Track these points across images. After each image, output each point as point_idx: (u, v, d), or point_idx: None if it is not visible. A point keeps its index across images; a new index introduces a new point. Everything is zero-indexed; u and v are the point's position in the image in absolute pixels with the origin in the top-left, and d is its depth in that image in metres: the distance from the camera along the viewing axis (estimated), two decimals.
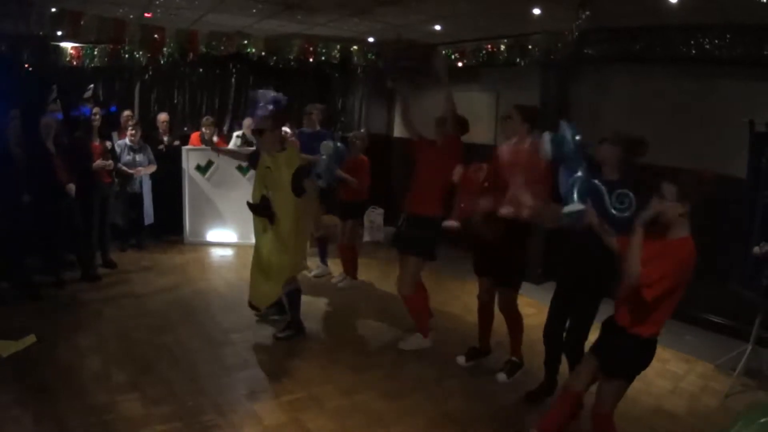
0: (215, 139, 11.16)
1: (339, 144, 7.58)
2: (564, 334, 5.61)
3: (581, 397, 4.77)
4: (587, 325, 5.43)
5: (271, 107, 6.57)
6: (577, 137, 4.67)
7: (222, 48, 10.91)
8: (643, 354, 4.38)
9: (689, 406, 6.22)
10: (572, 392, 4.72)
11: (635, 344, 4.31)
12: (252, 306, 7.18)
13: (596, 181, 4.83)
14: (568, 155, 4.70)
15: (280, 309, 7.45)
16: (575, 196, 4.60)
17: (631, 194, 4.70)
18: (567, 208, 4.63)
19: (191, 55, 11.11)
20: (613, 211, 4.74)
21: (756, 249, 6.63)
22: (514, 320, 6.38)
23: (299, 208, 6.61)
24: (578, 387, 4.69)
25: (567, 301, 5.51)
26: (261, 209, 6.66)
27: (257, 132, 6.66)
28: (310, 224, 6.94)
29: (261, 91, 6.76)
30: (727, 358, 6.99)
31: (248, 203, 6.83)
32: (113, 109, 10.55)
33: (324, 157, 7.65)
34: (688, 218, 4.17)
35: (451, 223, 6.14)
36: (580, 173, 4.65)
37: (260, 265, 6.88)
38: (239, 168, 10.74)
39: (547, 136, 4.79)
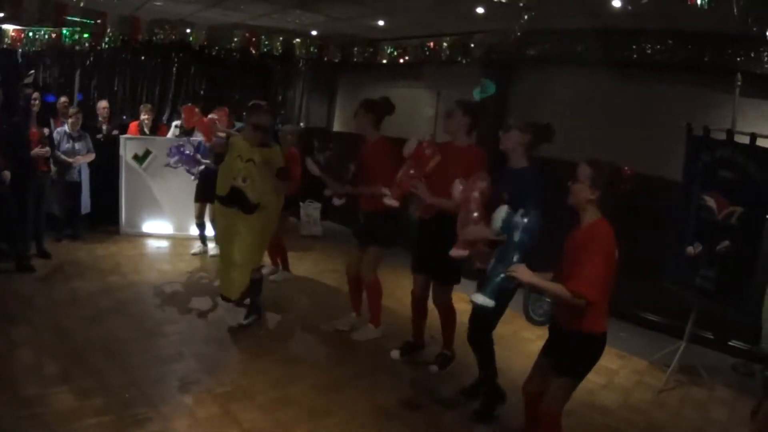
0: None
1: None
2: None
3: (538, 398, 4.72)
4: (490, 316, 5.40)
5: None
6: (525, 219, 4.48)
7: (164, 36, 10.83)
8: (592, 351, 4.41)
9: (623, 400, 6.39)
10: (527, 394, 4.79)
11: (584, 342, 4.34)
12: (224, 298, 7.17)
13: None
14: (513, 237, 4.55)
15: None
16: (491, 291, 4.46)
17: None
18: (476, 299, 4.60)
19: (133, 42, 10.99)
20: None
21: (690, 249, 6.81)
22: (448, 315, 6.44)
23: (278, 199, 6.91)
24: (531, 389, 4.74)
25: None
26: (236, 203, 6.70)
27: (258, 127, 6.72)
28: (276, 221, 7.23)
29: None
30: (660, 355, 7.19)
31: (219, 196, 6.87)
32: (51, 98, 10.39)
33: None
34: (602, 206, 4.26)
35: (392, 201, 6.20)
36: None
37: (228, 257, 6.88)
38: (135, 157, 10.66)
39: (503, 211, 4.55)
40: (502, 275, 4.37)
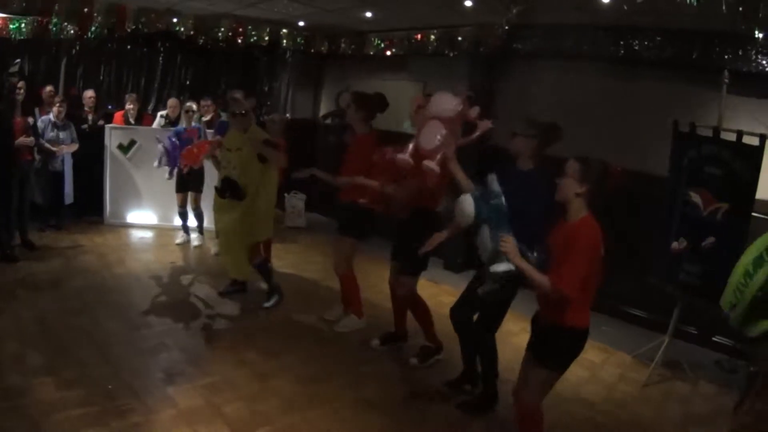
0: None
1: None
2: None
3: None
4: (498, 314, 5.51)
5: None
6: (502, 202, 4.62)
7: (151, 25, 10.76)
8: (574, 344, 4.41)
9: (606, 394, 6.42)
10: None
11: (566, 335, 4.33)
12: (236, 282, 7.72)
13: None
14: (491, 216, 4.66)
15: (242, 286, 7.95)
16: (502, 258, 4.54)
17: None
18: (496, 268, 4.61)
19: (120, 31, 10.91)
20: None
21: (675, 244, 6.82)
22: (415, 307, 6.49)
23: (265, 176, 7.09)
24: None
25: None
26: (229, 191, 6.97)
27: (239, 114, 6.99)
28: (274, 193, 7.43)
29: None
30: (644, 349, 7.23)
31: (216, 188, 7.18)
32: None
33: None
34: (588, 202, 4.23)
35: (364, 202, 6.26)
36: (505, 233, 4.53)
37: (231, 241, 7.26)
38: (120, 147, 10.57)
39: (470, 199, 4.76)
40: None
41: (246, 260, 7.34)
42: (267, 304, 7.63)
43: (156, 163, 9.41)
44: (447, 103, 5.43)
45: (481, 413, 5.66)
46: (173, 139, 9.28)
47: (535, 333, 4.63)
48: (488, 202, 4.67)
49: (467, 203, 4.74)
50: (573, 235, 4.14)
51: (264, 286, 7.80)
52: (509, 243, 4.31)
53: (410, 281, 6.36)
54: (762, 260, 4.56)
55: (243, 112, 7.00)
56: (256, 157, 6.89)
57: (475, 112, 5.53)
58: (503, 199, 4.63)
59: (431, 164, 5.16)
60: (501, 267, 4.57)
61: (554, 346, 4.41)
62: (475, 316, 5.64)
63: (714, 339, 7.65)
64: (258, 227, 7.27)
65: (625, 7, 6.63)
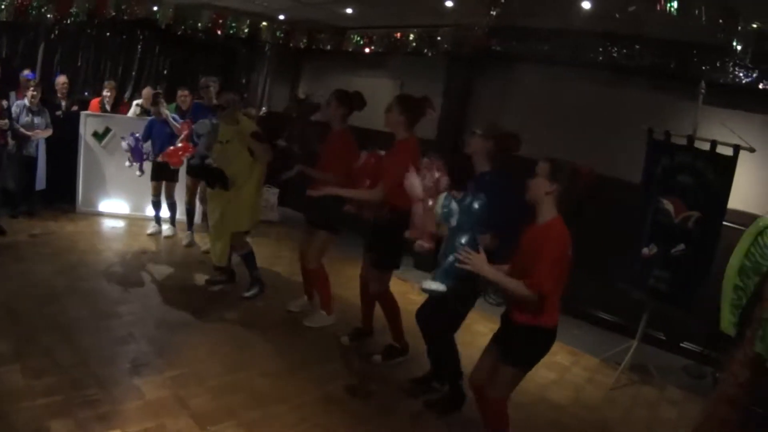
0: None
1: (214, 121, 7.65)
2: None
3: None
4: (458, 313, 5.53)
5: None
6: (475, 205, 4.49)
7: (131, 12, 10.69)
8: (543, 343, 4.43)
9: (574, 396, 6.46)
10: (475, 388, 4.74)
11: (535, 334, 4.34)
12: (223, 272, 7.86)
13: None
14: (459, 224, 4.56)
15: (230, 277, 8.03)
16: (441, 275, 4.54)
17: None
18: (427, 285, 4.56)
19: (99, 17, 10.83)
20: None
21: (645, 250, 6.90)
22: (384, 304, 6.49)
23: (254, 168, 7.29)
24: (478, 380, 4.70)
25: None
26: (217, 181, 7.26)
27: (220, 107, 7.26)
28: (260, 185, 7.61)
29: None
30: (612, 353, 7.30)
31: (206, 180, 7.53)
32: (31, 75, 10.21)
33: (202, 136, 7.82)
34: (561, 205, 4.22)
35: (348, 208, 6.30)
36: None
37: (217, 228, 7.52)
38: (95, 134, 10.49)
39: (442, 199, 4.67)
40: (450, 259, 4.40)
41: (225, 248, 7.53)
42: (247, 294, 7.73)
43: (127, 164, 9.34)
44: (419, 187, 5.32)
45: (448, 413, 5.67)
46: (136, 135, 9.25)
47: (503, 328, 4.63)
48: (450, 212, 4.59)
49: (438, 199, 4.71)
50: (543, 237, 4.15)
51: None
52: (474, 259, 4.21)
53: (382, 277, 6.37)
54: (745, 269, 4.65)
55: (222, 104, 7.15)
56: (246, 150, 7.07)
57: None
58: (477, 203, 4.56)
59: (424, 244, 5.11)
60: (432, 285, 4.54)
61: (521, 344, 4.42)
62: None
63: (682, 345, 7.73)
64: (241, 217, 7.39)
65: (617, 15, 6.67)
